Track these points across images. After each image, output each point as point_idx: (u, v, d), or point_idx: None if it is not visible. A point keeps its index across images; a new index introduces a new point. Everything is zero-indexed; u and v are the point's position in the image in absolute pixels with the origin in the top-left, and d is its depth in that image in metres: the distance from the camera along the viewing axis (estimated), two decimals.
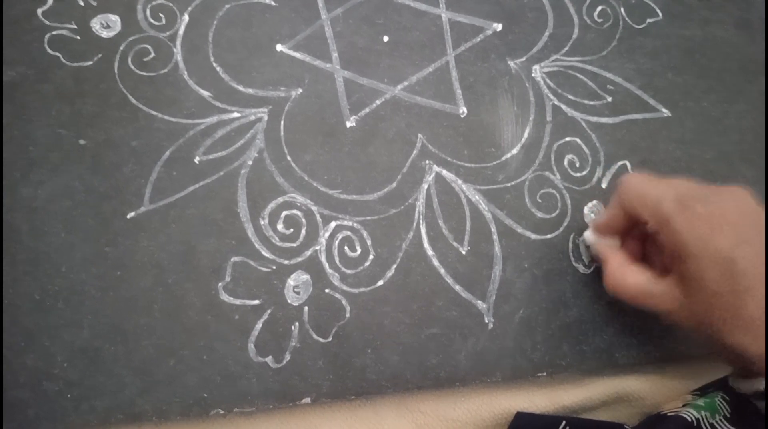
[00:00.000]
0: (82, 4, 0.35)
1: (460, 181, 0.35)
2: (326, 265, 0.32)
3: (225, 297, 0.31)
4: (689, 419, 0.27)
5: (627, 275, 0.30)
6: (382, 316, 0.32)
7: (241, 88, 0.35)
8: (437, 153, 0.36)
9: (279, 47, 0.36)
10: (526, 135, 0.37)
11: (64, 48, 0.34)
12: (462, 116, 0.37)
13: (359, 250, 0.33)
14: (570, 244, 0.35)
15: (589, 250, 0.34)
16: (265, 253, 0.32)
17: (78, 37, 0.34)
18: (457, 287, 0.33)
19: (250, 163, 0.34)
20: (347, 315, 0.32)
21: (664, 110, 0.39)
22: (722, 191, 0.27)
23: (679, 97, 0.39)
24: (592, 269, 0.34)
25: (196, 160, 0.33)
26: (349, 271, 0.32)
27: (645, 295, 0.29)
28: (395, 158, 0.35)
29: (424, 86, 0.37)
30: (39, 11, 0.34)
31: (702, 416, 0.27)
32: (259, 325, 0.31)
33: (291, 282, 0.32)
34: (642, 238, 0.32)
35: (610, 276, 0.30)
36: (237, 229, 0.32)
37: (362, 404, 0.32)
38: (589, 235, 0.33)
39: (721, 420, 0.27)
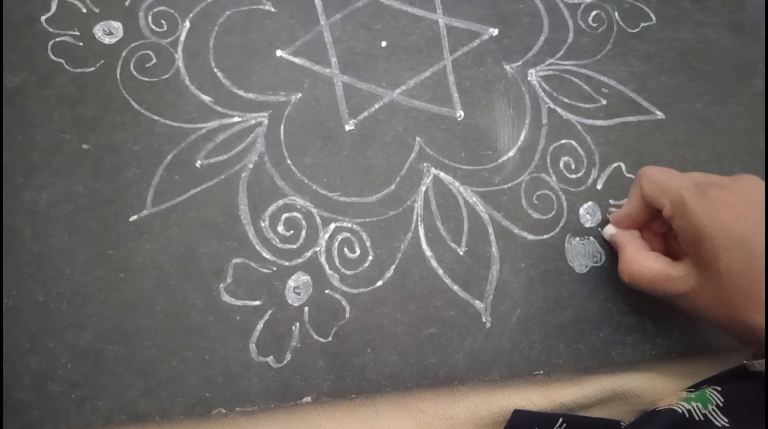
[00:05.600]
0: (84, 11, 0.36)
1: (457, 183, 0.36)
2: (326, 267, 0.33)
3: (226, 298, 0.32)
4: (680, 411, 0.27)
5: (643, 261, 0.30)
6: (381, 316, 0.32)
7: (241, 92, 0.36)
8: (435, 156, 0.36)
9: (278, 52, 0.37)
10: (522, 138, 0.37)
11: (67, 54, 0.35)
12: (459, 119, 0.37)
13: (358, 252, 0.33)
14: (566, 245, 0.35)
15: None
16: (266, 255, 0.33)
17: (80, 44, 0.35)
18: (455, 287, 0.33)
19: (250, 166, 0.34)
20: (347, 315, 0.32)
21: (657, 113, 0.39)
22: (738, 179, 0.28)
23: (672, 100, 0.40)
24: (588, 269, 0.35)
25: (198, 163, 0.34)
26: (348, 272, 0.33)
27: (662, 278, 0.29)
28: (393, 161, 0.36)
29: (422, 90, 0.37)
30: (42, 18, 0.35)
31: (693, 407, 0.28)
32: (260, 326, 0.31)
33: (291, 283, 0.32)
34: (663, 233, 0.33)
35: (627, 262, 0.31)
36: (238, 231, 0.33)
37: (362, 403, 0.32)
38: (609, 228, 0.34)
39: (713, 410, 0.27)
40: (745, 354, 0.29)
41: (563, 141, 0.38)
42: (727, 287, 0.26)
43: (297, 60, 0.37)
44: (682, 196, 0.28)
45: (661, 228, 0.33)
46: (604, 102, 0.39)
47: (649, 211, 0.31)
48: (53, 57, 0.34)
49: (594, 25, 0.41)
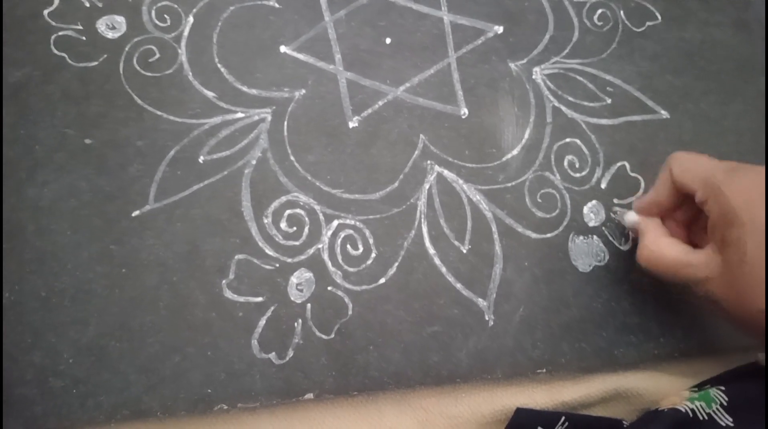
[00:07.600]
0: (87, 5, 0.35)
1: (461, 181, 0.35)
2: (329, 264, 0.33)
3: (229, 295, 0.31)
4: (683, 410, 0.27)
5: (663, 246, 0.30)
6: (384, 313, 0.32)
7: (245, 88, 0.35)
8: (439, 153, 0.36)
9: (283, 49, 0.37)
10: (526, 136, 0.37)
11: (70, 48, 0.34)
12: (463, 117, 0.37)
13: (361, 249, 0.33)
14: (569, 244, 0.35)
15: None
16: (269, 252, 0.32)
17: (83, 38, 0.35)
18: (458, 286, 0.33)
19: (253, 162, 0.34)
20: (349, 312, 0.32)
21: (663, 112, 0.39)
22: None
23: (677, 99, 0.39)
24: (591, 268, 0.35)
25: (201, 159, 0.34)
26: (351, 270, 0.33)
27: (682, 264, 0.28)
28: (397, 158, 0.35)
29: (426, 88, 0.37)
30: (45, 12, 0.35)
31: (696, 406, 0.28)
32: (262, 322, 0.31)
33: (294, 280, 0.32)
34: (685, 223, 0.32)
35: (646, 247, 0.30)
36: (241, 227, 0.33)
37: (364, 401, 0.32)
38: (630, 215, 0.33)
39: (718, 409, 0.27)
40: (749, 355, 0.29)
41: (568, 140, 0.37)
42: (750, 274, 0.26)
43: (301, 56, 0.37)
44: (715, 180, 0.27)
45: (684, 216, 0.32)
46: (609, 101, 0.39)
47: (676, 198, 0.31)
48: (56, 51, 0.34)
49: (599, 23, 0.41)
